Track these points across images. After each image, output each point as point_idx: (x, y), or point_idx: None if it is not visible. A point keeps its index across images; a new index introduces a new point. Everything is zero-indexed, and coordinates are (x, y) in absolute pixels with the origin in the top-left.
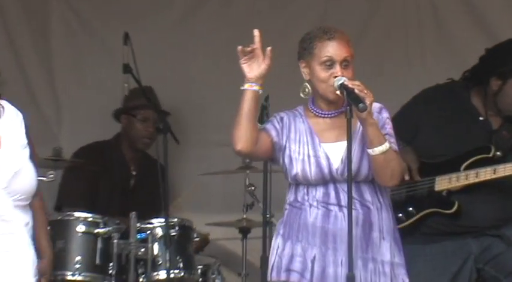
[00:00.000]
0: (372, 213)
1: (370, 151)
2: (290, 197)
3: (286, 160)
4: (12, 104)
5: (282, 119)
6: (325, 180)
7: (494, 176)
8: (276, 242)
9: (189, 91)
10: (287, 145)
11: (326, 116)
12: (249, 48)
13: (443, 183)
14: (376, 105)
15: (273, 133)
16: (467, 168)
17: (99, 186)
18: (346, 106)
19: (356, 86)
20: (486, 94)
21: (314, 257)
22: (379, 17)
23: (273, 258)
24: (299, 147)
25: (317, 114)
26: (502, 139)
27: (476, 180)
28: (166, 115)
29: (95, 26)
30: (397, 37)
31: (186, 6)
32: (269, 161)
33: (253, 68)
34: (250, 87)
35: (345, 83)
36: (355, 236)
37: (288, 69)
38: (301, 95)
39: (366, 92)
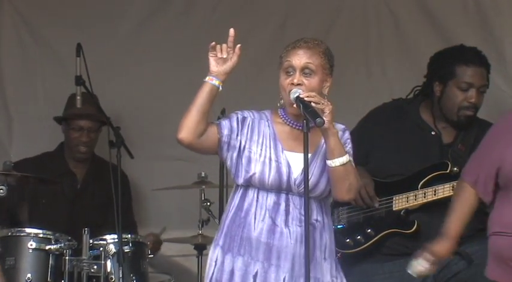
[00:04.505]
0: (315, 232)
1: (330, 162)
2: (236, 200)
3: (244, 161)
4: None
5: (244, 119)
6: (281, 187)
7: (452, 193)
8: (215, 253)
9: (144, 103)
10: (246, 146)
11: (294, 126)
12: (215, 49)
13: (400, 202)
14: (340, 126)
15: (225, 132)
16: (425, 185)
17: (42, 199)
18: (303, 120)
19: (311, 97)
20: (433, 104)
21: (256, 273)
22: (339, 27)
23: (211, 270)
24: (261, 150)
25: (285, 121)
26: (458, 153)
27: (435, 197)
28: (104, 124)
29: (47, 37)
30: (357, 47)
31: (140, 16)
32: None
33: (219, 63)
34: (210, 80)
35: (301, 96)
36: (298, 254)
37: (245, 80)
38: (278, 104)
39: (322, 102)
